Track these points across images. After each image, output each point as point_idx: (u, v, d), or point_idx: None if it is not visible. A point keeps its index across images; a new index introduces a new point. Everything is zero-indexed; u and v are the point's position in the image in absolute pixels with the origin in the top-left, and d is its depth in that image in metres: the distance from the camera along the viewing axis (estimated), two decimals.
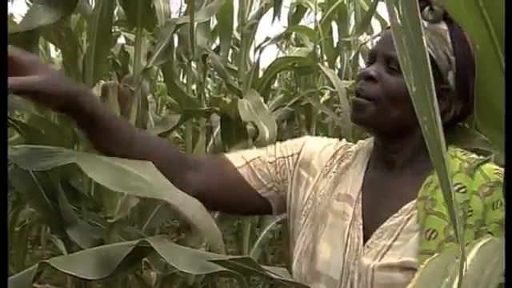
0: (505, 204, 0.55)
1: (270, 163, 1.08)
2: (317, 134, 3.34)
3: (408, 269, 0.87)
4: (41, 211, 1.61)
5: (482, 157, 0.97)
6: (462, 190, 0.89)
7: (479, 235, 0.85)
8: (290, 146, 1.11)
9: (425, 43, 0.45)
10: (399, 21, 0.45)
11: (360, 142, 1.11)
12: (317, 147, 1.10)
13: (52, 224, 1.66)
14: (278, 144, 1.13)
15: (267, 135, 1.80)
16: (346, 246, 0.95)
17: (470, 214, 0.87)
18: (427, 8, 0.97)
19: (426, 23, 0.96)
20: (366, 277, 0.91)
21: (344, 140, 1.14)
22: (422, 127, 0.43)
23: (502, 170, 0.90)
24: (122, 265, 0.62)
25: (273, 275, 0.63)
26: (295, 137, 3.24)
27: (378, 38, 1.06)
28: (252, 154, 1.11)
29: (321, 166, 1.07)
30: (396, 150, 1.00)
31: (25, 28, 0.97)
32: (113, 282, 1.66)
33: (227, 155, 1.11)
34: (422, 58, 0.44)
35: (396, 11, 0.45)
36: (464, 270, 0.42)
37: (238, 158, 1.09)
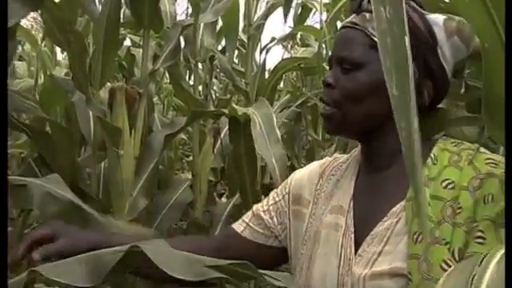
0: (505, 202, 0.53)
1: (264, 212, 1.11)
2: (323, 134, 3.34)
3: (398, 275, 0.84)
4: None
5: (475, 145, 0.91)
6: (450, 186, 0.86)
7: (469, 234, 0.80)
8: (280, 189, 1.14)
9: (408, 46, 0.44)
10: (386, 24, 0.44)
11: (352, 151, 1.10)
12: (302, 178, 1.11)
13: None
14: (270, 193, 1.16)
15: (277, 172, 1.77)
16: (340, 257, 0.93)
17: (459, 211, 0.82)
18: None
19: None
20: (358, 287, 0.88)
21: (333, 156, 1.14)
22: (399, 133, 0.44)
23: (495, 158, 0.87)
24: (114, 271, 0.60)
25: (273, 281, 0.62)
26: (302, 137, 3.19)
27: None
28: (249, 214, 1.14)
29: (311, 193, 1.08)
30: (378, 148, 0.98)
31: None
32: (123, 282, 1.65)
33: (233, 225, 1.15)
34: (404, 63, 0.44)
35: (383, 14, 0.45)
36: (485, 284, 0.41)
37: (240, 223, 1.14)
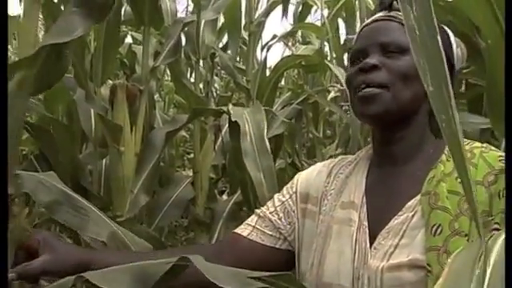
0: (505, 202, 0.54)
1: (271, 213, 1.09)
2: (324, 132, 3.34)
3: (417, 267, 0.86)
4: None
5: (485, 144, 0.95)
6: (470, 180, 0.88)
7: (486, 226, 0.83)
8: (286, 190, 1.13)
9: (440, 43, 0.44)
10: (414, 22, 0.45)
11: (358, 152, 1.12)
12: (309, 177, 1.11)
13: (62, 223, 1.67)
14: (275, 196, 1.14)
15: (264, 185, 1.72)
16: (355, 251, 0.94)
17: None
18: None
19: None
20: (375, 280, 0.89)
21: (340, 157, 1.14)
22: (440, 125, 0.44)
23: None
24: (159, 282, 0.61)
25: None
26: (303, 135, 3.19)
27: (357, 38, 1.06)
28: (254, 217, 1.12)
29: (318, 190, 1.07)
30: (398, 139, 0.99)
31: (61, 39, 0.89)
32: None
33: (236, 230, 1.12)
34: (437, 58, 0.44)
35: (410, 12, 0.45)
36: (491, 263, 0.42)
37: (244, 227, 1.11)
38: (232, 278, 0.58)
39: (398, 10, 0.99)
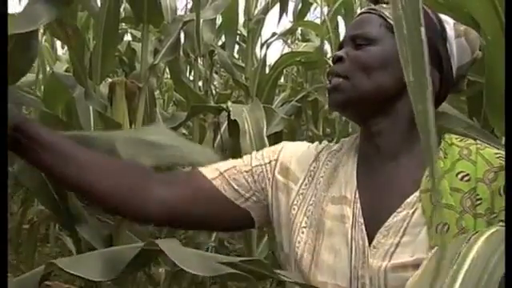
0: (505, 202, 0.54)
1: (247, 172, 1.04)
2: (324, 129, 3.34)
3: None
4: (50, 208, 1.61)
5: (479, 141, 0.94)
6: (466, 178, 0.87)
7: (491, 224, 0.81)
8: (267, 153, 1.07)
9: (423, 35, 0.45)
10: (401, 11, 0.45)
11: (342, 139, 1.08)
12: (295, 151, 1.06)
13: (61, 221, 1.67)
14: (253, 152, 1.09)
15: None
16: (351, 250, 0.90)
17: (479, 202, 0.84)
18: None
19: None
20: (378, 280, 0.86)
21: (325, 141, 1.10)
22: (416, 116, 0.44)
23: (503, 153, 0.90)
24: (130, 267, 0.62)
25: (285, 278, 0.62)
26: (303, 132, 3.19)
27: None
28: (226, 164, 1.06)
29: (303, 170, 1.03)
30: (382, 130, 0.96)
31: (26, 28, 0.90)
32: (122, 280, 1.66)
33: (201, 168, 1.06)
34: (420, 49, 0.45)
35: (399, 2, 0.46)
36: (470, 259, 0.43)
37: (211, 169, 1.05)
38: (203, 264, 0.58)
39: (385, 3, 0.99)
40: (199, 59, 2.30)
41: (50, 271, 0.66)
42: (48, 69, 2.80)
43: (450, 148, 0.92)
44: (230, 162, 1.06)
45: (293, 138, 2.91)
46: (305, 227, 0.98)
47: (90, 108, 1.94)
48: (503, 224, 0.80)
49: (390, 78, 0.94)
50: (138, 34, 2.86)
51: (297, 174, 1.03)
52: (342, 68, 0.96)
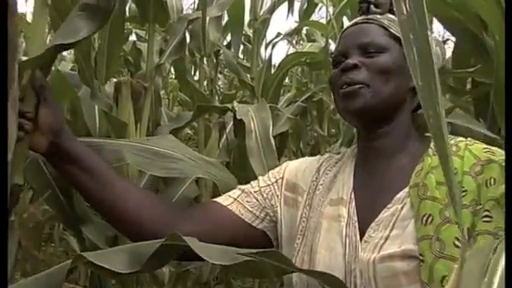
0: (505, 202, 0.54)
1: (256, 192, 1.11)
2: (329, 129, 3.33)
3: (409, 257, 0.87)
4: (55, 208, 1.61)
5: (469, 138, 1.00)
6: (453, 172, 0.90)
7: (476, 216, 0.86)
8: (272, 174, 1.14)
9: (430, 39, 0.46)
10: (406, 17, 0.46)
11: (343, 150, 1.15)
12: (299, 167, 1.13)
13: (66, 221, 1.66)
14: (259, 177, 1.16)
15: None
16: (345, 246, 0.95)
17: (464, 194, 0.89)
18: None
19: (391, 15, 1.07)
20: (367, 272, 0.90)
21: (327, 154, 1.17)
22: (427, 120, 0.45)
23: (491, 148, 0.96)
24: (153, 260, 0.65)
25: (300, 271, 0.64)
26: (308, 133, 3.19)
27: (339, 41, 1.11)
28: (236, 191, 1.12)
29: (307, 183, 1.09)
30: (381, 135, 1.02)
31: (68, 40, 0.97)
32: (126, 279, 1.65)
33: (216, 199, 1.12)
34: (427, 53, 0.45)
35: (404, 8, 0.46)
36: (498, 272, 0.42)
37: (225, 198, 1.11)
38: (224, 255, 0.61)
39: (376, 14, 1.06)
40: (204, 59, 2.29)
41: (76, 266, 0.68)
42: (53, 68, 2.79)
43: None
44: (239, 189, 1.13)
45: (298, 138, 2.91)
46: (307, 234, 1.03)
47: (96, 107, 1.94)
48: (490, 214, 0.86)
49: (401, 84, 1.01)
50: (143, 33, 2.85)
51: (303, 187, 1.09)
52: (360, 76, 1.00)
